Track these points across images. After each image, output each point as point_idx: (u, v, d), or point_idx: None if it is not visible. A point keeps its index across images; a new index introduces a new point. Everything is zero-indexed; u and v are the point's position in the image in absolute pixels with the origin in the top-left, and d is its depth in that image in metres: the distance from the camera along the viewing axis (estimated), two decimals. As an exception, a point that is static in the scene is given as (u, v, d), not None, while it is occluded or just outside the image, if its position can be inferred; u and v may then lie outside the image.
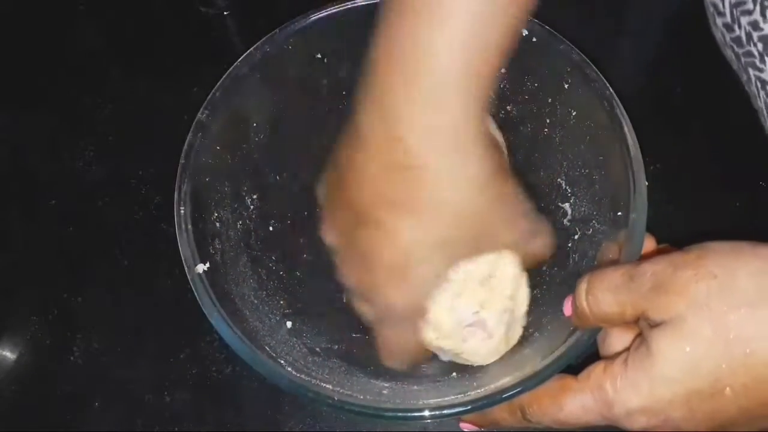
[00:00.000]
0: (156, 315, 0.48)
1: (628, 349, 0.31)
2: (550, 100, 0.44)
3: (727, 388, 0.27)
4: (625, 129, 0.38)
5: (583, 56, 0.40)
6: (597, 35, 0.57)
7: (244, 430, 0.45)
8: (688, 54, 0.56)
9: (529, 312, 0.41)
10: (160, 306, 0.48)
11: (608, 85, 0.40)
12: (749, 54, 0.45)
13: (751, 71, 0.45)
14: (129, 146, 0.54)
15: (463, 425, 0.37)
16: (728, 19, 0.46)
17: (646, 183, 0.37)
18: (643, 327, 0.31)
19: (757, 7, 0.43)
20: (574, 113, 0.42)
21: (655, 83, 0.57)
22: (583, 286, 0.32)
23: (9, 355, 0.47)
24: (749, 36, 0.44)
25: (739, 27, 0.45)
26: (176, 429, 0.45)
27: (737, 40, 0.46)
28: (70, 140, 0.55)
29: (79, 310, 0.49)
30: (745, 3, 0.44)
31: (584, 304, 0.32)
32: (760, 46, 0.44)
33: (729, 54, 0.48)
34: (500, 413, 0.35)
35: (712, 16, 0.47)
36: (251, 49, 0.41)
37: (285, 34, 0.41)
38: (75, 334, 0.48)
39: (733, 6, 0.45)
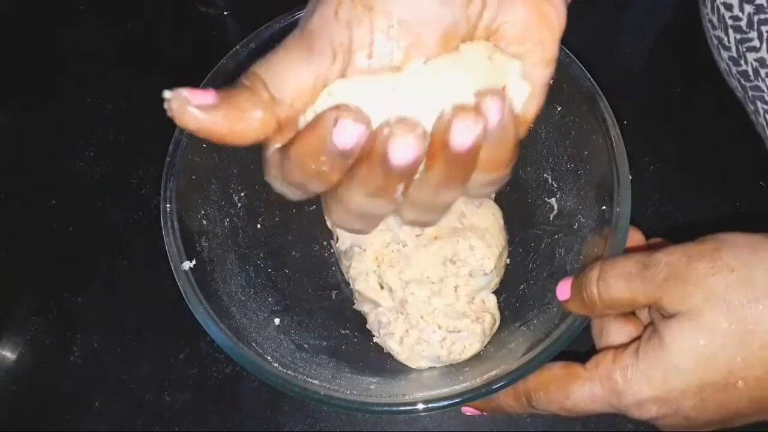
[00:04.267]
0: (156, 315, 0.48)
1: (634, 339, 0.32)
2: (535, 96, 0.44)
3: (740, 381, 0.28)
4: (609, 123, 0.38)
5: (567, 51, 0.40)
6: (597, 35, 0.57)
7: (244, 430, 0.45)
8: (687, 54, 0.56)
9: (517, 306, 0.41)
10: (160, 306, 0.48)
11: (592, 79, 0.40)
12: (757, 88, 0.44)
13: (759, 104, 0.45)
14: (129, 146, 0.54)
15: (466, 409, 0.37)
16: (734, 53, 0.45)
17: (630, 177, 0.37)
18: (654, 317, 0.31)
19: (764, 45, 0.42)
20: (559, 108, 0.42)
21: (655, 83, 0.57)
22: (594, 273, 0.32)
23: (9, 355, 0.47)
24: (756, 72, 0.44)
25: (746, 62, 0.44)
26: (176, 429, 0.45)
27: (744, 74, 0.45)
28: (70, 140, 0.55)
29: (79, 310, 0.49)
30: (751, 40, 0.43)
31: (594, 290, 0.32)
32: None
33: (734, 84, 0.47)
34: (505, 399, 0.35)
35: (717, 48, 0.46)
36: (237, 46, 0.41)
37: (270, 31, 0.41)
38: (75, 334, 0.48)
39: (738, 42, 0.44)
